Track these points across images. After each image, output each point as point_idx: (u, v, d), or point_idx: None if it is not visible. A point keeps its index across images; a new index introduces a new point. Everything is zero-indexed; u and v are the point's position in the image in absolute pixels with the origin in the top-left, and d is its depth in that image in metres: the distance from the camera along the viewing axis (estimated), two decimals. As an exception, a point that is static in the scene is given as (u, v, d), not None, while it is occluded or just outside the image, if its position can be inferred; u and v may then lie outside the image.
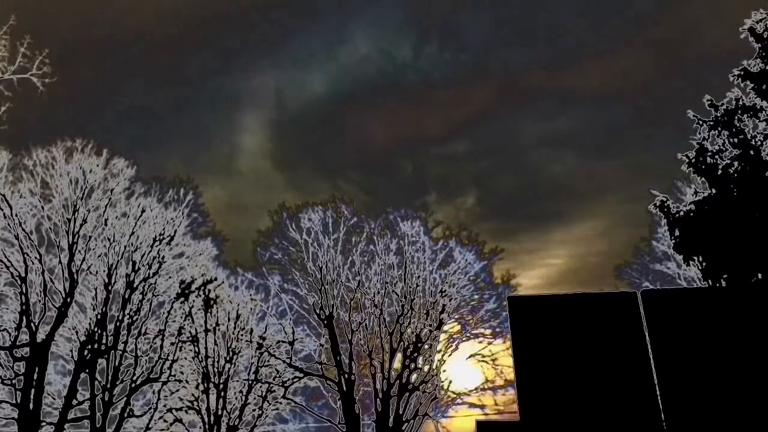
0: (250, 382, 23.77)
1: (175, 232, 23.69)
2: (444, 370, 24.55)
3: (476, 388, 24.43)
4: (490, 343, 24.78)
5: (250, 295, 24.98)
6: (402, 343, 24.27)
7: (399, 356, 24.21)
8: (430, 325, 24.55)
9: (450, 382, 24.47)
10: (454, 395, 24.49)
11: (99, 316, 21.90)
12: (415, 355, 24.29)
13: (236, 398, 23.60)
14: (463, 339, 25.06)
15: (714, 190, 13.07)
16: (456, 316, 25.36)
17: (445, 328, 25.06)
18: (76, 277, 21.68)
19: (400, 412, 23.62)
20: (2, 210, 21.36)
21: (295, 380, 24.26)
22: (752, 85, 13.41)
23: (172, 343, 22.81)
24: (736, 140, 13.23)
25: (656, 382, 3.33)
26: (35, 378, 20.27)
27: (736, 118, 13.41)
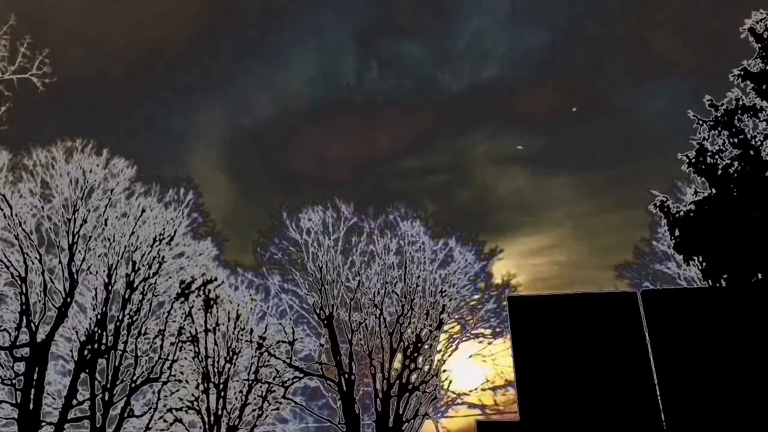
0: (250, 382, 23.77)
1: (175, 231, 23.69)
2: (444, 370, 24.58)
3: (476, 388, 24.46)
4: (490, 343, 24.81)
5: (250, 295, 25.00)
6: (402, 343, 24.27)
7: (399, 356, 24.22)
8: (430, 325, 24.55)
9: (450, 382, 24.51)
10: (454, 395, 24.51)
11: (99, 316, 21.90)
12: (415, 355, 24.29)
13: (236, 398, 23.60)
14: (463, 339, 25.08)
15: (714, 190, 13.07)
16: (456, 317, 25.38)
17: (445, 328, 25.07)
18: (76, 277, 21.68)
19: (400, 412, 23.62)
20: (2, 210, 21.36)
21: (295, 380, 24.26)
22: (752, 85, 13.41)
23: (172, 343, 22.82)
24: (736, 140, 13.23)
25: (656, 382, 3.32)
26: (35, 378, 20.27)
27: (736, 118, 13.41)
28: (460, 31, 34.07)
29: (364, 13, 35.20)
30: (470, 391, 24.36)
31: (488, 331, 25.06)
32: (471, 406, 24.35)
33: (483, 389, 24.37)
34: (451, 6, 34.12)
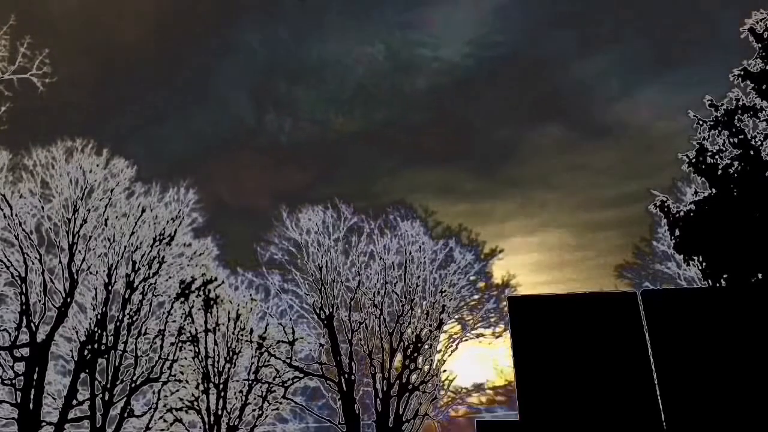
0: (250, 382, 23.77)
1: (176, 231, 23.69)
2: (444, 370, 24.59)
3: (477, 388, 24.47)
4: (490, 344, 24.81)
5: (250, 295, 25.00)
6: (402, 343, 24.27)
7: (399, 356, 24.22)
8: (430, 325, 24.55)
9: (450, 381, 24.51)
10: (454, 395, 24.52)
11: (99, 316, 21.90)
12: (415, 355, 24.29)
13: (236, 398, 23.59)
14: (464, 339, 25.09)
15: (714, 190, 13.07)
16: (456, 317, 25.39)
17: (445, 328, 25.08)
18: (76, 277, 21.68)
19: (400, 412, 23.62)
20: (2, 210, 21.36)
21: (295, 380, 24.26)
22: (752, 85, 13.42)
23: (172, 343, 22.81)
24: (736, 140, 13.23)
25: (656, 382, 3.33)
26: (35, 378, 20.27)
27: (736, 118, 13.41)
28: (347, 80, 37.19)
29: (258, 61, 37.47)
30: (470, 390, 24.39)
31: (488, 331, 25.08)
32: (471, 406, 24.38)
33: (483, 389, 24.41)
34: (333, 58, 37.07)
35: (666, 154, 33.45)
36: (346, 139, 36.78)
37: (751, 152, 12.97)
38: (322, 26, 37.42)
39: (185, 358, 23.24)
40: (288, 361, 24.21)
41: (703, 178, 13.36)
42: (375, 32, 36.55)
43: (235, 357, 23.80)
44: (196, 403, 22.99)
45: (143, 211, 23.29)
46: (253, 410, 23.70)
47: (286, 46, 37.15)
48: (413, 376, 24.09)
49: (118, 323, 22.00)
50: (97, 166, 23.06)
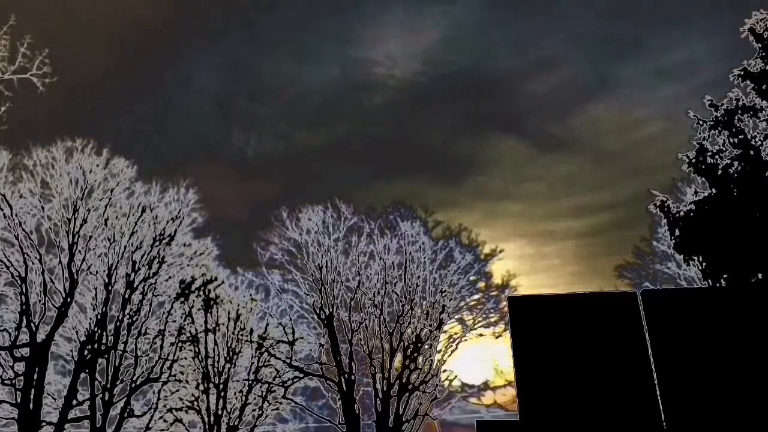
0: (250, 382, 23.77)
1: (176, 231, 23.69)
2: (444, 370, 24.59)
3: (477, 388, 24.48)
4: (495, 337, 24.82)
5: (250, 295, 25.00)
6: (402, 343, 24.28)
7: (399, 356, 24.22)
8: (430, 325, 24.56)
9: (450, 381, 24.51)
10: (455, 395, 24.53)
11: (99, 316, 21.90)
12: (415, 355, 24.30)
13: (236, 398, 23.59)
14: (464, 339, 25.09)
15: (714, 190, 13.07)
16: (456, 317, 25.40)
17: (445, 328, 25.08)
18: (76, 277, 21.68)
19: (400, 412, 23.62)
20: (2, 210, 21.36)
21: (295, 380, 24.26)
22: (752, 85, 13.42)
23: (172, 343, 22.81)
24: (736, 140, 13.23)
25: (656, 382, 3.33)
26: (35, 378, 20.27)
27: (736, 118, 13.41)
28: (307, 97, 38.60)
29: (221, 78, 38.83)
30: (470, 390, 24.40)
31: (488, 331, 25.09)
32: (471, 404, 24.38)
33: (483, 389, 24.41)
34: (292, 75, 38.55)
35: (618, 166, 35.12)
36: (312, 152, 37.93)
37: (751, 152, 12.98)
38: (280, 45, 38.54)
39: (185, 358, 23.24)
40: (288, 361, 24.22)
41: (703, 178, 13.36)
42: (332, 51, 37.98)
43: (235, 357, 23.81)
44: (196, 403, 23.00)
45: (143, 210, 23.28)
46: (253, 410, 23.70)
47: (246, 64, 38.31)
48: (413, 376, 24.10)
49: (118, 323, 22.01)
50: (97, 166, 23.07)
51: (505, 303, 23.90)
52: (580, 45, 36.13)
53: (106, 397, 21.22)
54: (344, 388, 23.64)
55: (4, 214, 21.36)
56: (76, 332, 21.94)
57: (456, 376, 24.61)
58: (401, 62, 36.55)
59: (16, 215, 21.48)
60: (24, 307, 20.99)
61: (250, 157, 36.56)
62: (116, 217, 22.90)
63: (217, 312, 23.94)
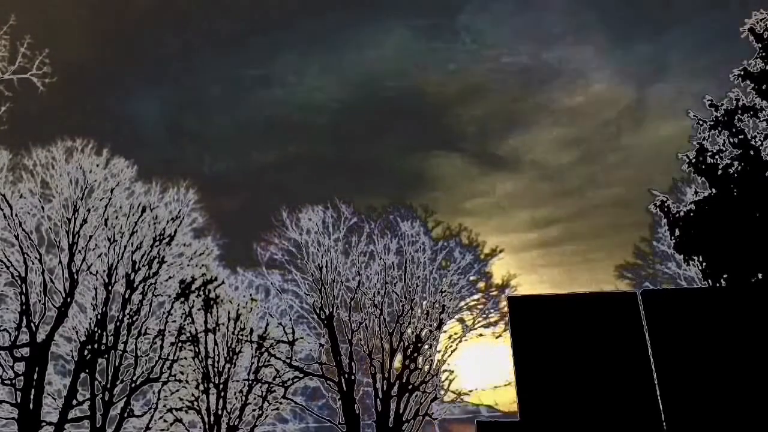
0: (250, 382, 23.76)
1: (176, 231, 23.69)
2: (444, 371, 24.58)
3: (477, 388, 24.48)
4: (498, 337, 24.82)
5: (250, 295, 24.99)
6: (402, 343, 24.27)
7: (399, 356, 24.22)
8: (430, 325, 24.56)
9: (450, 381, 24.51)
10: (455, 395, 24.52)
11: (99, 316, 21.89)
12: (415, 355, 24.29)
13: (236, 398, 23.59)
14: (464, 339, 25.08)
15: (714, 190, 13.07)
16: (457, 317, 25.39)
17: (445, 328, 25.08)
18: (76, 277, 21.68)
19: (400, 412, 23.62)
20: (2, 210, 21.36)
21: (295, 380, 24.26)
22: (752, 85, 13.42)
23: (172, 343, 22.81)
24: (736, 140, 13.23)
25: (656, 382, 3.33)
26: (35, 378, 20.27)
27: (736, 118, 13.41)
28: (255, 117, 40.12)
29: (171, 95, 39.95)
30: (470, 390, 24.40)
31: (488, 331, 25.09)
32: (471, 404, 24.38)
33: (483, 389, 24.41)
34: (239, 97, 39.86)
35: (559, 184, 37.34)
36: (266, 168, 39.02)
37: (751, 152, 12.98)
38: (223, 67, 40.28)
39: (185, 358, 23.23)
40: (288, 361, 24.21)
41: (703, 178, 13.36)
42: (278, 75, 39.62)
43: (235, 357, 23.80)
44: (196, 403, 22.99)
45: (143, 210, 23.28)
46: (253, 410, 23.70)
47: (196, 88, 39.77)
48: (413, 376, 24.10)
49: (118, 323, 22.01)
50: (97, 166, 23.07)
51: (505, 303, 23.89)
52: (510, 73, 38.02)
53: (106, 397, 21.22)
54: (344, 388, 23.64)
55: (4, 214, 21.36)
56: (76, 332, 21.95)
57: (456, 376, 24.63)
58: (345, 86, 38.50)
59: (16, 215, 21.48)
60: (24, 307, 20.99)
61: (206, 174, 37.42)
62: (116, 217, 22.90)
63: (217, 312, 23.94)
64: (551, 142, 37.32)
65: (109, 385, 21.32)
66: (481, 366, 25.14)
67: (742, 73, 13.48)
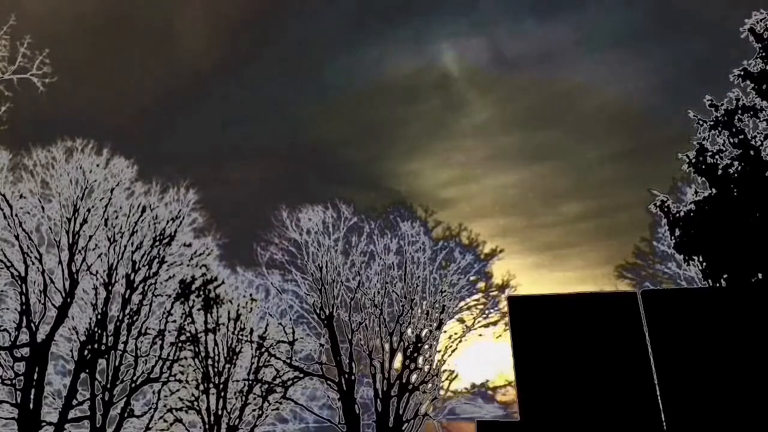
0: (250, 382, 23.76)
1: (176, 231, 23.69)
2: (444, 371, 24.58)
3: (477, 387, 24.49)
4: (499, 337, 24.83)
5: (250, 295, 24.99)
6: (402, 343, 24.27)
7: (399, 356, 24.22)
8: (430, 325, 24.55)
9: (450, 381, 24.51)
10: (455, 395, 24.54)
11: (99, 316, 21.89)
12: (415, 355, 24.29)
13: (236, 398, 23.58)
14: (464, 339, 25.09)
15: (714, 190, 13.07)
16: (457, 317, 25.39)
17: (445, 328, 25.08)
18: (76, 276, 21.67)
19: (400, 412, 23.62)
20: (2, 210, 21.36)
21: (295, 380, 24.25)
22: (752, 85, 13.42)
23: (172, 343, 22.80)
24: (736, 140, 13.23)
25: (656, 382, 3.32)
26: (35, 378, 20.27)
27: (736, 118, 13.41)
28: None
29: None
30: (470, 391, 24.41)
31: (488, 331, 25.10)
32: (470, 406, 24.38)
33: (483, 388, 24.42)
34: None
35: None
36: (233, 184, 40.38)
37: (751, 152, 12.97)
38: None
39: (185, 358, 23.23)
40: (288, 361, 24.21)
41: (703, 178, 13.36)
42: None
43: (235, 357, 23.80)
44: (196, 403, 22.99)
45: (143, 210, 23.28)
46: (253, 410, 23.69)
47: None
48: (413, 376, 24.10)
49: (118, 323, 22.00)
50: (97, 166, 23.06)
51: (505, 303, 23.90)
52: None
53: (106, 397, 21.22)
54: (344, 388, 23.64)
55: (4, 214, 21.36)
56: (76, 332, 21.94)
57: (456, 376, 24.64)
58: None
59: (16, 215, 21.48)
60: (24, 307, 20.98)
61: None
62: (116, 217, 22.90)
63: (217, 312, 23.94)
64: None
65: (109, 385, 21.32)
66: (481, 366, 25.16)
67: (742, 73, 13.48)
